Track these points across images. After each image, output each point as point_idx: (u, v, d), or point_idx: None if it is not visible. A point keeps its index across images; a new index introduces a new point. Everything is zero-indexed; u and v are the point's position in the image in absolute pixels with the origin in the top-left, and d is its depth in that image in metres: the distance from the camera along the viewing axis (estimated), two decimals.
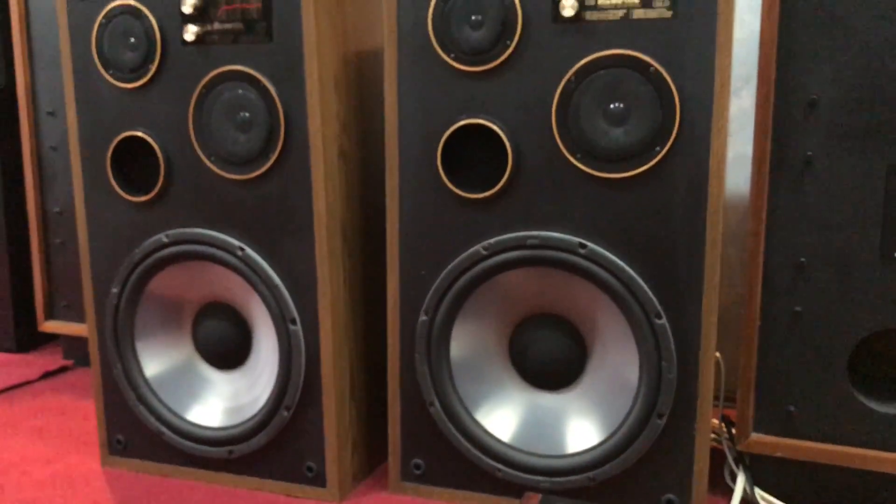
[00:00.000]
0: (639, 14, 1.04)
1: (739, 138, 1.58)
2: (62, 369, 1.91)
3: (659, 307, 1.09)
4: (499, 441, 1.19)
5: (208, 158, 1.22)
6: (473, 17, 1.10)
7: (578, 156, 1.09)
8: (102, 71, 1.25)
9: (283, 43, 1.16)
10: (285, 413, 1.24)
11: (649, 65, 1.04)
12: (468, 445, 1.20)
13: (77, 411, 1.64)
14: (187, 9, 1.18)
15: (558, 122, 1.09)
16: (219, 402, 1.33)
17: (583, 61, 1.07)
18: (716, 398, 1.24)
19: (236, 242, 1.23)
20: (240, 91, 1.18)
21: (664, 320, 1.09)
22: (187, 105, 1.22)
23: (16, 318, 2.02)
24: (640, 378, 1.12)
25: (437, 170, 1.15)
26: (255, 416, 1.27)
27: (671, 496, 1.14)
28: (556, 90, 1.08)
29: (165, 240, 1.26)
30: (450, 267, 1.16)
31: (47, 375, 1.86)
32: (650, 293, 1.09)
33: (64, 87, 1.29)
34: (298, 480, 1.27)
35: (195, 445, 1.30)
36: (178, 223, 1.26)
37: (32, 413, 1.64)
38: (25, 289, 1.98)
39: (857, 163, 1.09)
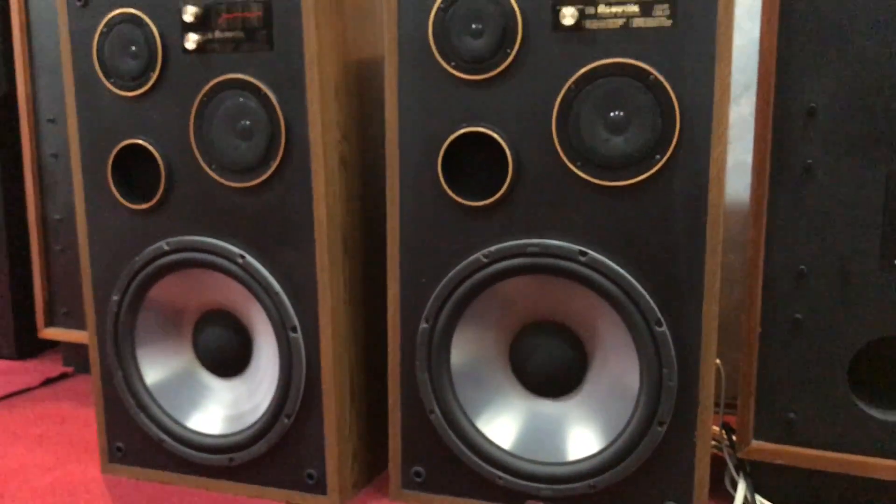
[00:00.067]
0: (639, 23, 1.05)
1: (739, 146, 1.58)
2: (62, 376, 1.91)
3: (659, 314, 1.09)
4: (499, 448, 1.19)
5: (209, 166, 1.22)
6: (474, 26, 1.10)
7: (579, 164, 1.09)
8: (103, 79, 1.25)
9: (284, 51, 1.16)
10: (286, 420, 1.24)
11: (649, 73, 1.05)
12: (469, 453, 1.20)
13: (77, 418, 1.64)
14: (188, 17, 1.18)
15: (559, 131, 1.09)
16: (219, 409, 1.33)
17: (583, 70, 1.07)
18: (716, 405, 1.24)
19: (237, 250, 1.23)
20: (240, 99, 1.19)
21: (664, 328, 1.09)
22: (188, 113, 1.22)
23: (16, 325, 2.02)
24: (641, 385, 1.12)
25: (438, 177, 1.15)
26: (256, 423, 1.27)
27: None
28: (556, 98, 1.09)
29: (166, 247, 1.26)
30: (450, 274, 1.16)
31: (47, 382, 1.86)
32: (650, 301, 1.09)
33: (65, 94, 1.29)
34: (299, 488, 1.27)
35: (195, 453, 1.30)
36: (178, 231, 1.26)
37: (32, 420, 1.64)
38: (26, 296, 1.98)
39: (856, 170, 1.09)
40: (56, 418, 1.64)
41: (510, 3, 1.08)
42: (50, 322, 1.89)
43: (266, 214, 1.21)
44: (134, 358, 1.33)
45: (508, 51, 1.09)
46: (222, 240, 1.24)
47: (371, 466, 1.35)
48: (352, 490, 1.30)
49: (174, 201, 1.26)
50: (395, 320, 1.22)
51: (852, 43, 1.07)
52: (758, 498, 1.21)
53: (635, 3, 1.04)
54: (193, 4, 1.18)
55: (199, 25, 1.19)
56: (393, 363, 1.23)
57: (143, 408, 1.32)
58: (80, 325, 1.83)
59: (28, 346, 2.04)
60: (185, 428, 1.31)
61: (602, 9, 1.06)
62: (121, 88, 1.25)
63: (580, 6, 1.06)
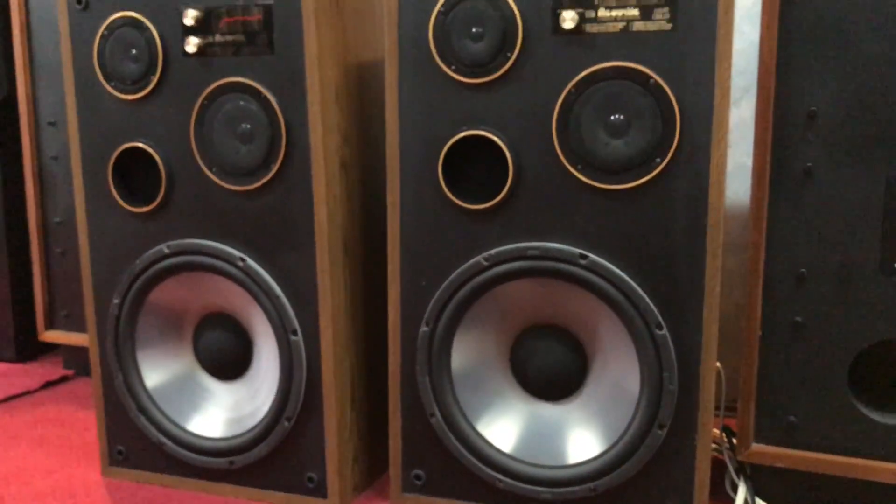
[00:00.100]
0: (639, 26, 1.05)
1: (739, 149, 1.58)
2: (63, 379, 1.91)
3: (660, 318, 1.09)
4: (500, 452, 1.19)
5: (210, 169, 1.22)
6: (474, 30, 1.10)
7: (579, 167, 1.09)
8: (104, 82, 1.26)
9: (285, 54, 1.16)
10: (286, 423, 1.24)
11: (649, 76, 1.05)
12: (469, 456, 1.20)
13: (77, 421, 1.64)
14: (189, 21, 1.18)
15: (559, 134, 1.09)
16: (220, 412, 1.33)
17: (583, 73, 1.07)
18: (716, 408, 1.24)
19: (237, 253, 1.23)
20: (241, 102, 1.19)
21: (665, 331, 1.09)
22: (189, 116, 1.22)
23: (16, 328, 2.02)
24: (641, 388, 1.12)
25: (439, 181, 1.15)
26: (256, 426, 1.27)
27: None
28: (556, 102, 1.09)
29: (166, 250, 1.26)
30: (451, 278, 1.17)
31: (48, 385, 1.86)
32: (651, 304, 1.09)
33: (65, 97, 1.29)
34: (299, 491, 1.27)
35: (196, 456, 1.30)
36: (179, 234, 1.26)
37: (33, 423, 1.64)
38: (26, 298, 1.98)
39: (856, 174, 1.09)
40: (56, 421, 1.64)
41: (510, 7, 1.08)
42: (50, 325, 1.89)
43: (267, 217, 1.21)
44: (134, 361, 1.33)
45: (509, 54, 1.09)
46: (223, 243, 1.24)
47: (371, 469, 1.35)
48: (352, 493, 1.30)
49: (175, 204, 1.26)
50: (396, 323, 1.22)
51: (852, 46, 1.07)
52: (758, 501, 1.21)
53: (635, 7, 1.04)
54: (194, 8, 1.19)
55: (199, 29, 1.19)
56: (393, 366, 1.23)
57: (143, 411, 1.32)
58: (81, 328, 1.83)
59: (28, 348, 2.04)
60: (186, 431, 1.31)
61: (602, 12, 1.06)
62: (121, 91, 1.25)
63: (580, 10, 1.06)
